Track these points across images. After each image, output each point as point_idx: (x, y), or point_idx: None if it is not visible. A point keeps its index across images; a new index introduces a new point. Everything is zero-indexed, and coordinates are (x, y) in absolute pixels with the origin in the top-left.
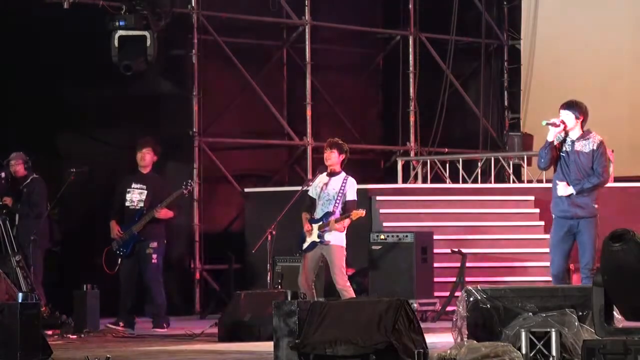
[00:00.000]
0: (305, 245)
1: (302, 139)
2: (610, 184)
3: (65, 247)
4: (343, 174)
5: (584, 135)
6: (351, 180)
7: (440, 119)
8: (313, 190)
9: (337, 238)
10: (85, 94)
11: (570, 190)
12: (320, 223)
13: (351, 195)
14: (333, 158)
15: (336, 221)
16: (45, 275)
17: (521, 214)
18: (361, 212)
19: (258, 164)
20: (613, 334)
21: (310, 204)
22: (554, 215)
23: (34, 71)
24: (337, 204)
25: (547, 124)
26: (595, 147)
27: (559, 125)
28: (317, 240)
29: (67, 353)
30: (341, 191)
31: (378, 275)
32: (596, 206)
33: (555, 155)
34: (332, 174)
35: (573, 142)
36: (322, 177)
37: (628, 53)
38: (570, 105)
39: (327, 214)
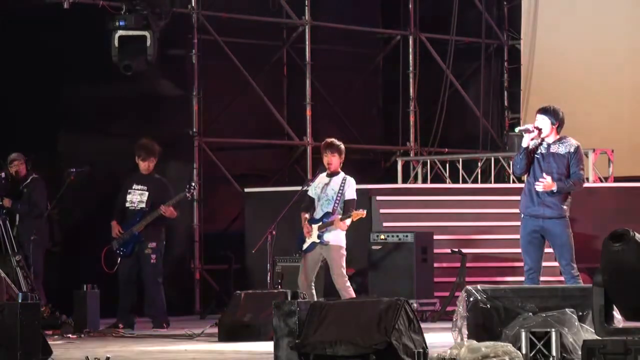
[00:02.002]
0: (305, 246)
1: (302, 139)
2: (610, 184)
3: (65, 247)
4: (342, 174)
5: (560, 140)
6: (350, 180)
7: (440, 119)
8: (313, 190)
9: (336, 238)
10: (86, 93)
11: (554, 186)
12: (320, 223)
13: (350, 195)
14: (335, 162)
15: (341, 220)
16: (45, 275)
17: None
18: (362, 213)
19: (258, 164)
20: (613, 334)
21: (309, 203)
22: (522, 215)
23: (34, 71)
24: (336, 204)
25: (520, 130)
26: (572, 150)
27: (532, 131)
28: (317, 240)
29: (67, 353)
30: (340, 191)
31: (378, 275)
32: (565, 207)
33: (531, 161)
34: (332, 174)
35: (549, 145)
36: (322, 178)
37: (628, 53)
38: (547, 111)
39: (327, 214)
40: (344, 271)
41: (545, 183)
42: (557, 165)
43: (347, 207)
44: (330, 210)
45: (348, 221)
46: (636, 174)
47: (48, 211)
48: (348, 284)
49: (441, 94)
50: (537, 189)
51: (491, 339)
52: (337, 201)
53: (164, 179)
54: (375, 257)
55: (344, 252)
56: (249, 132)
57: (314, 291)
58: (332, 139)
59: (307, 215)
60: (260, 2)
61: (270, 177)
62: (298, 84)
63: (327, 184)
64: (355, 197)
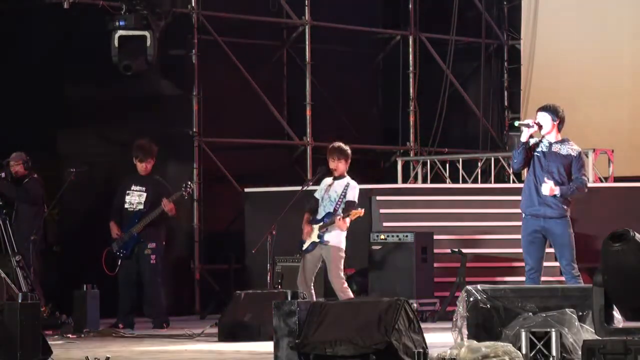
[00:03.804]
0: (305, 246)
1: (302, 139)
2: (610, 184)
3: (65, 247)
4: (347, 178)
5: (562, 141)
6: (353, 184)
7: (440, 119)
8: (318, 192)
9: (336, 239)
10: (86, 93)
11: (557, 190)
12: (321, 223)
13: (351, 197)
14: (341, 168)
15: (342, 218)
16: (45, 275)
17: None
18: (360, 212)
19: (258, 164)
20: (613, 334)
21: (315, 204)
22: (523, 215)
23: (34, 71)
24: (337, 205)
25: (520, 124)
26: (575, 155)
27: (532, 126)
28: (317, 240)
29: (67, 353)
30: (343, 194)
31: (378, 275)
32: (566, 207)
33: (529, 157)
34: (337, 178)
35: (550, 143)
36: (328, 180)
37: (628, 53)
38: (547, 109)
39: (328, 215)
40: (342, 273)
41: (548, 187)
42: (557, 164)
43: (347, 207)
44: (332, 211)
45: (348, 220)
46: (636, 174)
47: (47, 212)
48: (345, 285)
49: (441, 94)
50: (543, 192)
51: (491, 339)
52: (339, 202)
53: (163, 180)
54: (375, 257)
55: (343, 255)
56: (249, 132)
57: (313, 291)
58: (339, 144)
59: (309, 217)
60: (260, 2)
61: (270, 177)
62: (298, 84)
63: (330, 185)
64: (355, 200)
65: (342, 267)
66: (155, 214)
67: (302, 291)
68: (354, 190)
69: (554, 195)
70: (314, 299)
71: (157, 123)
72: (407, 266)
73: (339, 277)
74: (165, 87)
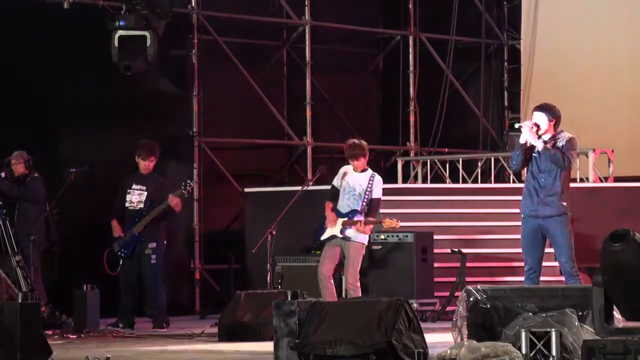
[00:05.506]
0: (324, 237)
1: (302, 139)
2: (610, 184)
3: (65, 247)
4: (370, 171)
5: (555, 136)
6: (378, 178)
7: (440, 119)
8: (336, 180)
9: (359, 235)
10: (85, 94)
11: (540, 143)
12: (346, 219)
13: (377, 193)
14: (362, 164)
15: (366, 223)
16: (45, 275)
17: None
18: (396, 224)
19: (258, 164)
20: (613, 334)
21: (335, 193)
22: (522, 215)
23: (34, 71)
24: (364, 203)
25: (520, 126)
26: (564, 143)
27: (531, 128)
28: (340, 235)
29: (67, 353)
30: (368, 188)
31: (378, 275)
32: (565, 204)
33: (528, 157)
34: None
35: (545, 142)
36: (346, 167)
37: (628, 53)
38: (544, 108)
39: (354, 212)
40: (358, 270)
41: (527, 128)
42: (552, 162)
43: (372, 205)
44: (359, 209)
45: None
46: (636, 174)
47: (48, 211)
48: (358, 284)
49: (441, 94)
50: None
51: (491, 339)
52: (365, 199)
53: (163, 179)
54: (375, 257)
55: (364, 251)
56: (249, 132)
57: (332, 282)
58: (356, 142)
59: (330, 204)
60: (260, 2)
61: (270, 177)
62: (298, 84)
63: (346, 173)
64: (381, 197)
65: (359, 263)
66: (157, 211)
67: (322, 282)
68: (379, 186)
69: (539, 194)
70: (334, 291)
71: (157, 123)
72: (407, 266)
73: (355, 273)
74: (165, 87)
